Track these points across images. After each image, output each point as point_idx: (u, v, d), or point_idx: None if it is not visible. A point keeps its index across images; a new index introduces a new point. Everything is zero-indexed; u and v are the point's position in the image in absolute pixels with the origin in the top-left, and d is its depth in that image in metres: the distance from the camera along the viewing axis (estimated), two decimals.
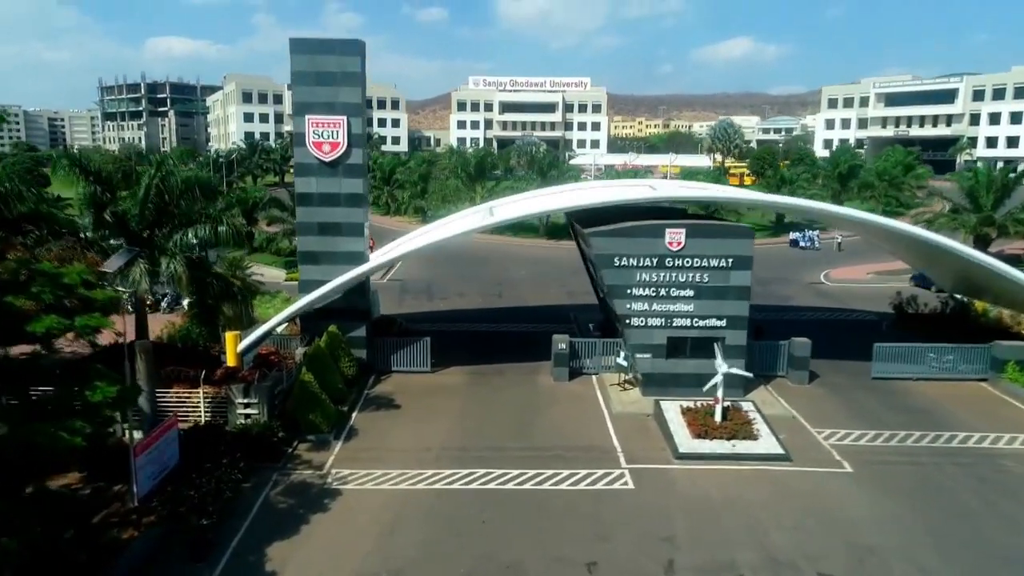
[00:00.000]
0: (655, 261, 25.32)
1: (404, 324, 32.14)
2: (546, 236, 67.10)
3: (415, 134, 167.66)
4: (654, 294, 25.54)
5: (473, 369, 29.17)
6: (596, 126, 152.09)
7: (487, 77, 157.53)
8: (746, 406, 24.27)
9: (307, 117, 26.15)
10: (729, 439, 22.10)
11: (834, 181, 73.39)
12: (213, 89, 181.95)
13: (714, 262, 25.26)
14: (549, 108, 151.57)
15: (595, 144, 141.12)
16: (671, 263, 25.32)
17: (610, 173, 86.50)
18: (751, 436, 22.23)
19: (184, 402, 22.79)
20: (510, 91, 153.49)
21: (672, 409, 23.98)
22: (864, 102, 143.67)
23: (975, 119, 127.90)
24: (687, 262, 25.29)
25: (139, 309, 21.94)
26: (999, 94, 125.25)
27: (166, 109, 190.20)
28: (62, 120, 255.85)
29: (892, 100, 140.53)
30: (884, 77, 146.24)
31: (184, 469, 18.78)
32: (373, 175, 79.82)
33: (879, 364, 28.02)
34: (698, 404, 23.99)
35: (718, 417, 22.88)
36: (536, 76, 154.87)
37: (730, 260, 25.23)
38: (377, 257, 28.48)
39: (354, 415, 24.58)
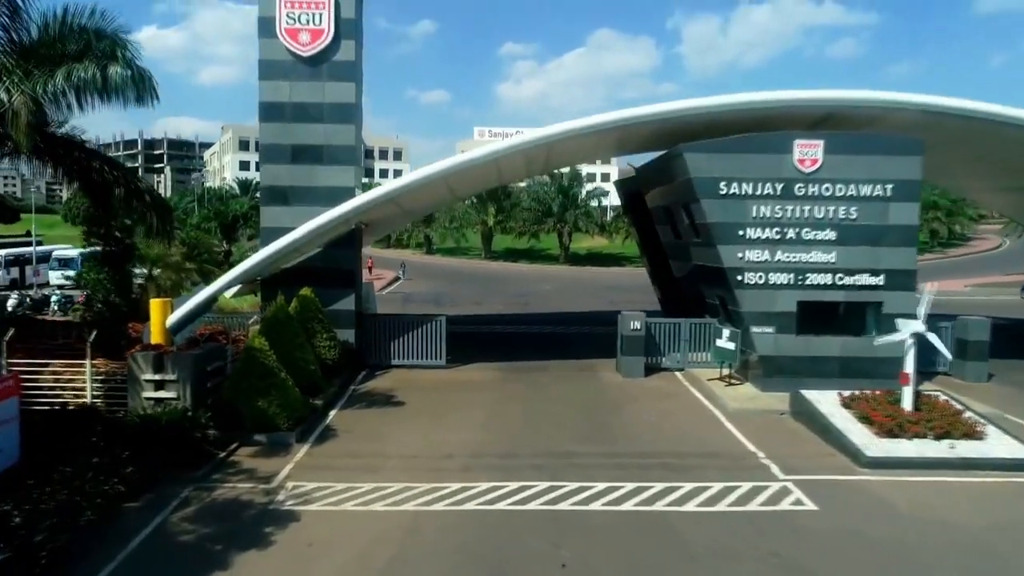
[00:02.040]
0: (779, 188, 17.35)
1: None
2: (567, 263, 59.46)
3: None
4: (778, 237, 17.44)
5: (505, 365, 20.77)
6: (606, 177, 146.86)
7: (492, 128, 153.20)
8: (934, 394, 15.79)
9: None
10: (939, 438, 13.58)
11: None
12: (211, 146, 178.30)
13: (866, 189, 17.26)
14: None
15: (603, 195, 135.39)
16: (802, 191, 17.34)
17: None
18: (974, 434, 13.70)
19: (64, 383, 14.43)
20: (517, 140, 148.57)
21: (827, 400, 15.48)
22: None
23: None
24: (826, 189, 17.30)
25: None
26: None
27: (162, 166, 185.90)
28: (59, 183, 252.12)
29: None
30: None
31: (25, 472, 10.48)
32: None
33: None
34: (865, 392, 15.56)
35: (908, 405, 14.41)
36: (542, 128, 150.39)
37: (889, 187, 17.24)
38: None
39: (332, 413, 16.08)
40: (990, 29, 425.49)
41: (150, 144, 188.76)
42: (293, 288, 18.21)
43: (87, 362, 14.35)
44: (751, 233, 17.44)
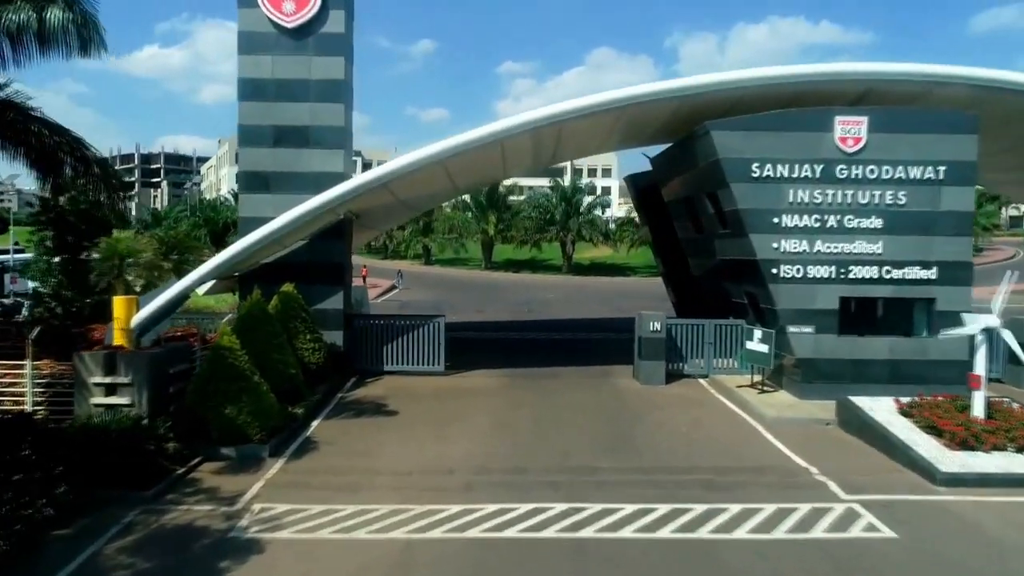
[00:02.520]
0: (819, 170, 15.48)
1: None
2: (570, 273, 57.56)
3: None
4: (817, 225, 15.56)
5: (511, 372, 18.79)
6: (607, 190, 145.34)
7: None
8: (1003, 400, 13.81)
9: None
10: (1021, 450, 11.61)
11: None
12: (208, 160, 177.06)
13: (915, 172, 15.40)
14: (558, 172, 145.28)
15: (606, 206, 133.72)
16: (845, 173, 15.48)
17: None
18: None
19: (2, 388, 12.47)
20: None
21: (881, 407, 13.51)
22: None
23: None
24: (871, 172, 15.44)
25: None
26: None
27: (159, 180, 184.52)
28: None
29: None
30: None
31: None
32: None
33: None
34: (925, 397, 13.59)
35: (980, 412, 12.44)
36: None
37: (942, 169, 15.37)
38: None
39: (315, 423, 14.06)
40: (985, 48, 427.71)
41: (147, 158, 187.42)
42: (275, 285, 16.25)
43: (27, 363, 12.38)
44: (787, 221, 15.55)
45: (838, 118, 15.40)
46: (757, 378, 16.92)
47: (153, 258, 17.72)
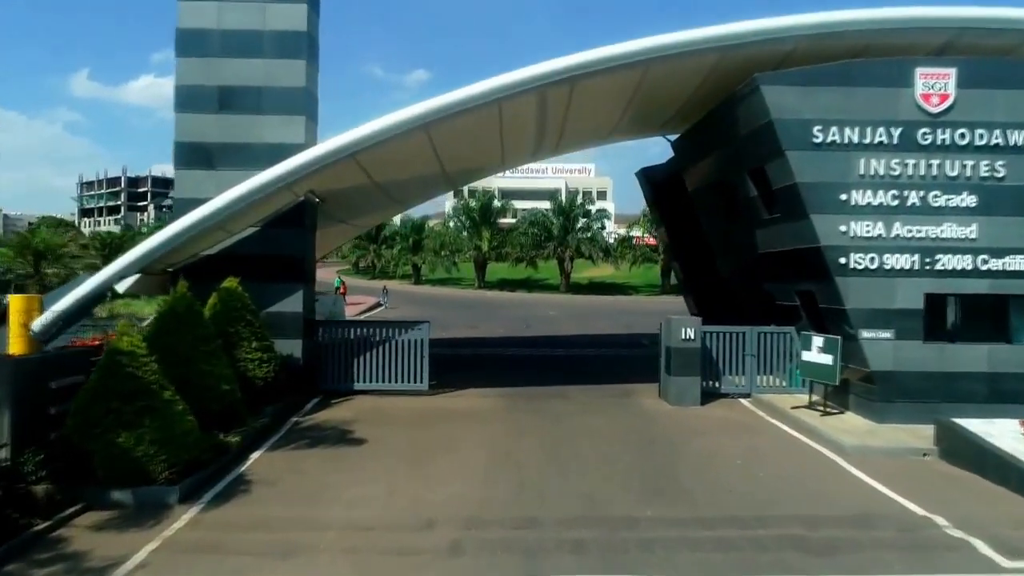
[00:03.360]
0: (896, 134, 12.41)
1: None
2: (569, 292, 54.40)
3: (408, 216, 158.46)
4: (895, 203, 12.43)
5: (510, 391, 15.46)
6: (603, 212, 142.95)
7: None
8: None
9: None
10: None
11: None
12: None
13: (1017, 137, 12.34)
14: (551, 196, 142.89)
15: (607, 218, 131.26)
16: (928, 138, 12.41)
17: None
18: None
19: None
20: (511, 177, 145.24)
21: (1004, 433, 10.26)
22: None
23: None
24: (961, 137, 12.37)
25: None
26: None
27: (146, 204, 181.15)
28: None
29: None
30: None
31: None
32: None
33: None
34: None
35: None
36: (538, 163, 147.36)
37: None
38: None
39: (255, 455, 10.67)
40: None
41: (135, 182, 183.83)
42: (218, 282, 12.96)
43: None
44: (858, 198, 12.41)
45: (919, 70, 12.35)
46: (815, 397, 13.67)
47: (78, 251, 14.34)
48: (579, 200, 65.45)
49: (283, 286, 13.99)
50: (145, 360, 9.17)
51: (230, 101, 13.93)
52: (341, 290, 38.51)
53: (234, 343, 12.24)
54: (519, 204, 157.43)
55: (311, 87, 14.32)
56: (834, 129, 12.38)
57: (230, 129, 13.90)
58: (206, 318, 11.53)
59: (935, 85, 12.33)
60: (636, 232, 59.77)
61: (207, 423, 10.28)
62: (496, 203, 59.80)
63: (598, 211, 61.62)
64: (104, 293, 12.91)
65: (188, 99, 13.93)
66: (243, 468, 10.01)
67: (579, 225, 56.74)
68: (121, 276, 12.75)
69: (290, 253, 14.05)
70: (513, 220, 65.70)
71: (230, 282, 12.68)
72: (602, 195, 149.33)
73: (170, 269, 13.79)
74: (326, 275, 49.51)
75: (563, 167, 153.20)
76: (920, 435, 11.50)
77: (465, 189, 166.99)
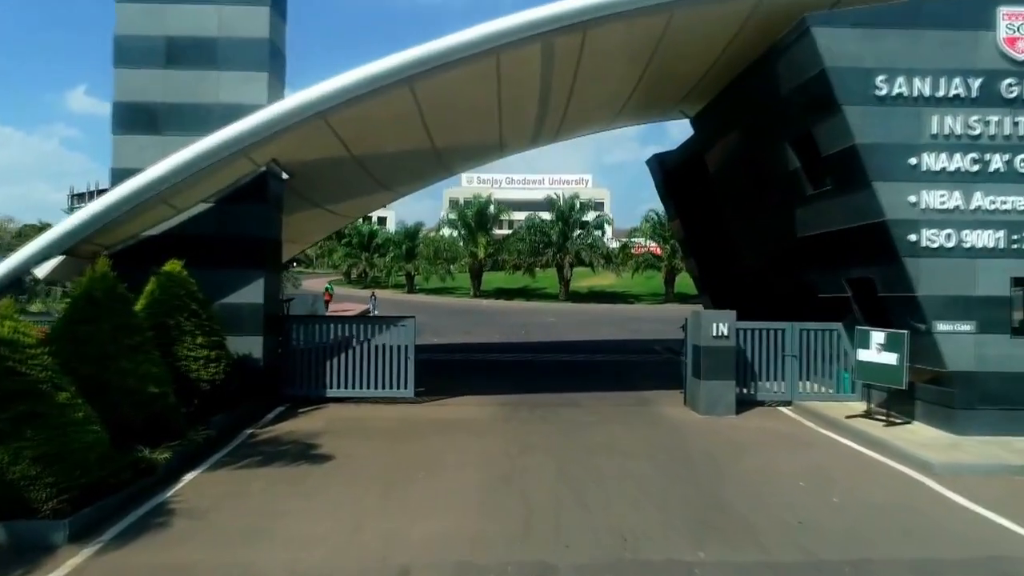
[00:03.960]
0: (975, 86, 10.34)
1: None
2: (568, 300, 52.28)
3: (401, 223, 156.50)
4: (976, 168, 10.35)
5: (508, 399, 13.24)
6: (599, 225, 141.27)
7: (482, 175, 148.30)
8: None
9: None
10: None
11: None
12: None
13: None
14: (547, 207, 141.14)
15: (608, 222, 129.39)
16: (1014, 91, 10.35)
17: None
18: None
19: None
20: (506, 188, 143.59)
21: None
22: None
23: None
24: None
25: None
26: None
27: None
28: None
29: None
30: None
31: None
32: (349, 239, 65.70)
33: None
34: None
35: None
36: (533, 174, 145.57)
37: None
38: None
39: (190, 475, 8.40)
40: None
41: None
42: (161, 267, 10.77)
43: None
44: (930, 162, 10.32)
45: (1003, 9, 10.31)
46: (872, 404, 11.52)
47: (16, 241, 12.12)
48: (578, 205, 63.54)
49: (241, 273, 11.79)
50: (32, 352, 6.97)
51: (179, 54, 11.78)
52: (326, 297, 36.52)
53: (174, 338, 10.03)
54: (516, 216, 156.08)
55: (276, 39, 12.20)
56: (901, 80, 10.31)
57: (179, 87, 11.75)
58: (134, 306, 9.33)
59: (1022, 27, 10.27)
60: (637, 239, 57.70)
61: (128, 436, 8.09)
62: (492, 209, 57.67)
63: (598, 216, 59.49)
64: (20, 279, 10.69)
65: (129, 52, 11.75)
66: (169, 493, 7.76)
67: (576, 233, 54.66)
68: (44, 257, 10.55)
69: (250, 234, 11.85)
70: (509, 232, 63.77)
71: (172, 265, 10.48)
72: (599, 207, 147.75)
73: (104, 252, 11.57)
74: (316, 285, 47.31)
75: (560, 178, 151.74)
76: (1014, 449, 9.38)
77: (461, 199, 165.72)
